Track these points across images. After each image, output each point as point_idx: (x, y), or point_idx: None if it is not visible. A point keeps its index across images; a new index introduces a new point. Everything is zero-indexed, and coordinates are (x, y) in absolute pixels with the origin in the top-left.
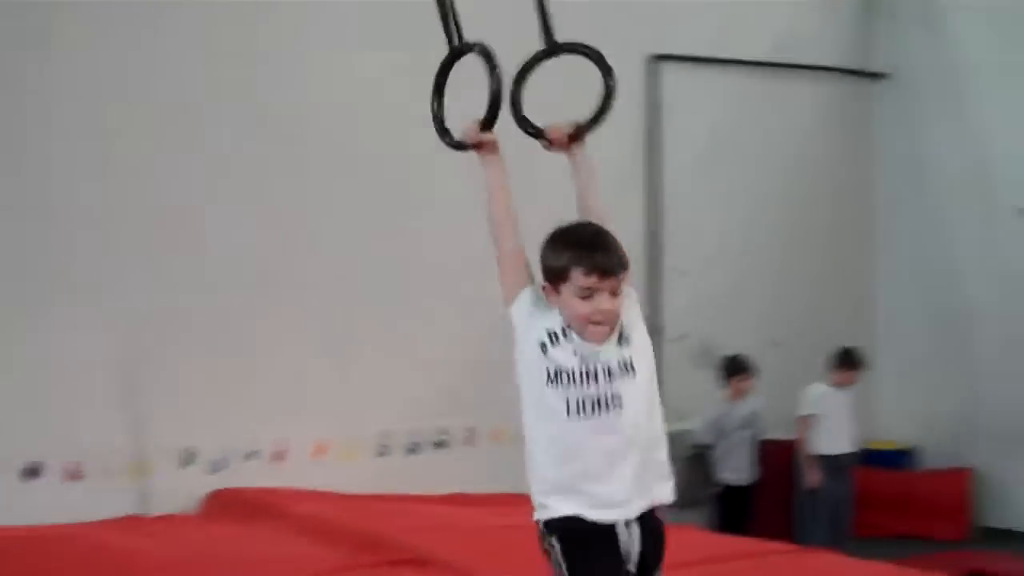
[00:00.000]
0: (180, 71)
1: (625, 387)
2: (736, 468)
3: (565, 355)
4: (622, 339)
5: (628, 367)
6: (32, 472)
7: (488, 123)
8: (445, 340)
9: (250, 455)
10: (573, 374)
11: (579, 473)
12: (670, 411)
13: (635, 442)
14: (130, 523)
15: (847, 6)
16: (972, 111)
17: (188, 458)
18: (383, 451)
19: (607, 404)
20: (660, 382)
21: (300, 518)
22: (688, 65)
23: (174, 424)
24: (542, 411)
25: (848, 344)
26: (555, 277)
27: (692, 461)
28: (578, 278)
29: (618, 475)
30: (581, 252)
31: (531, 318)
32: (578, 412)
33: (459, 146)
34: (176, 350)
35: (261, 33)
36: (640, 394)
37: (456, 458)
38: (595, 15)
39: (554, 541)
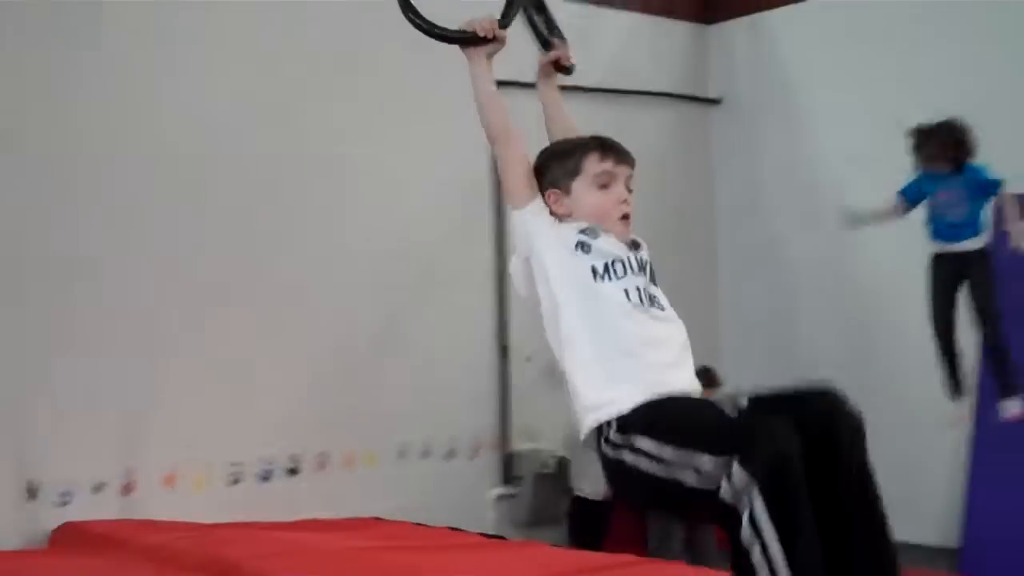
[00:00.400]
0: None
1: (655, 290)
2: (593, 481)
3: (610, 245)
4: (633, 244)
5: (649, 269)
6: None
7: (506, 21)
8: (293, 363)
9: (98, 487)
10: (627, 263)
11: (653, 364)
12: (520, 432)
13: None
14: None
15: (679, 34)
16: (800, 128)
17: (32, 491)
18: (235, 479)
19: (653, 300)
20: (507, 403)
21: (150, 548)
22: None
23: (15, 456)
24: (597, 309)
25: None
26: (566, 174)
27: (545, 479)
28: (593, 165)
29: (686, 368)
30: (591, 140)
31: (553, 226)
32: (640, 302)
33: (455, 38)
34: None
35: None
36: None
37: (308, 484)
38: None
39: (637, 438)
